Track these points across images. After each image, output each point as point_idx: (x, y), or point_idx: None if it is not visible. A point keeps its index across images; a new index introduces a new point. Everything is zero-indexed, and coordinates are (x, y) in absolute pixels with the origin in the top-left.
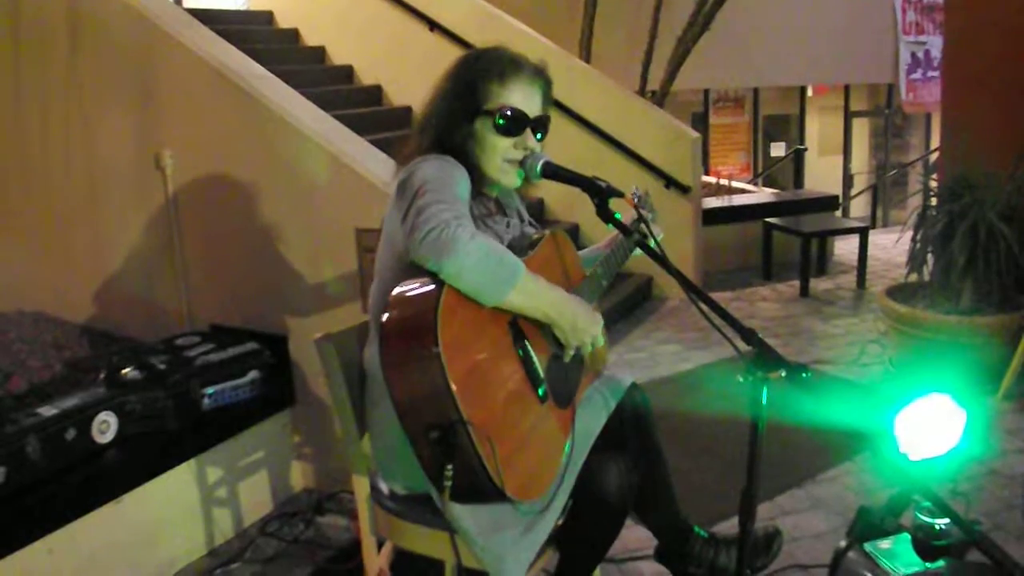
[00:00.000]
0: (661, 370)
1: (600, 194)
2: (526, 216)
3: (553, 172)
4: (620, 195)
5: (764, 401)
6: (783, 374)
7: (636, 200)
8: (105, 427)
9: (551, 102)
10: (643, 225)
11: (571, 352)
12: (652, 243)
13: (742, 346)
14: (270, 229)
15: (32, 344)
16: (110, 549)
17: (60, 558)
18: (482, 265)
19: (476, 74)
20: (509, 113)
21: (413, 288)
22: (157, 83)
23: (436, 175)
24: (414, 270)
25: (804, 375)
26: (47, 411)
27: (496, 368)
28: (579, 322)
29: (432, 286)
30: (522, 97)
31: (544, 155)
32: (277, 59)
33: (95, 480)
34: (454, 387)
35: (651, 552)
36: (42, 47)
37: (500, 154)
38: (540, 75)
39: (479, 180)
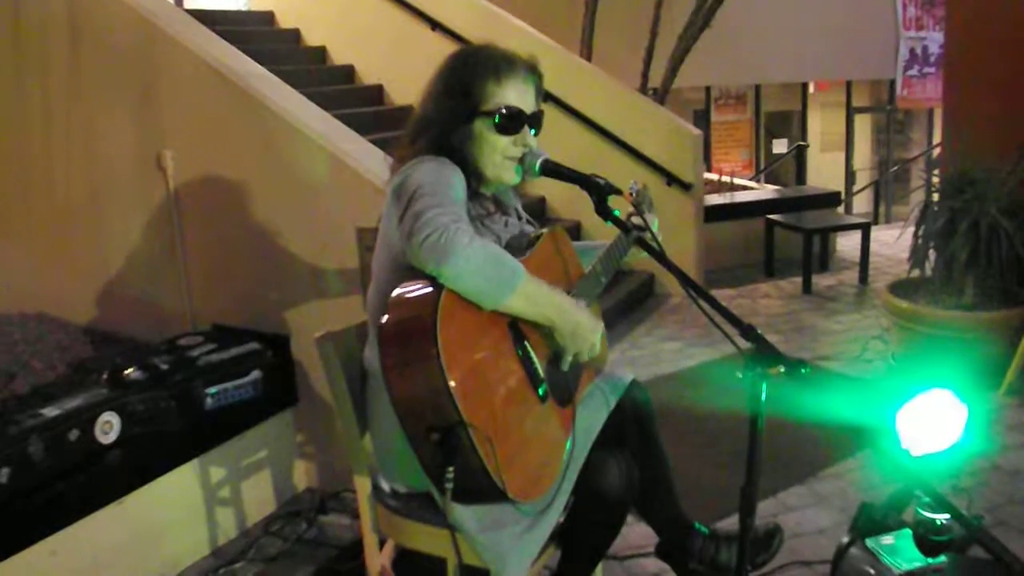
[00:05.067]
0: (663, 367)
1: (598, 191)
2: (523, 214)
3: (552, 170)
4: (619, 192)
5: (763, 397)
6: (782, 370)
7: (634, 194)
8: (108, 427)
9: (543, 96)
10: (640, 219)
11: (569, 358)
12: (650, 238)
13: (742, 342)
14: (272, 229)
15: (35, 345)
16: (113, 549)
17: (63, 559)
18: (482, 269)
19: (471, 75)
20: (507, 112)
21: (411, 290)
22: (158, 84)
23: (432, 178)
24: (411, 272)
25: (803, 371)
26: (50, 412)
27: (496, 369)
28: (580, 328)
29: (430, 288)
30: (517, 94)
31: (543, 153)
32: (278, 59)
33: (98, 480)
34: (454, 389)
35: (653, 549)
36: (43, 48)
37: (500, 152)
38: (533, 71)
39: (477, 180)
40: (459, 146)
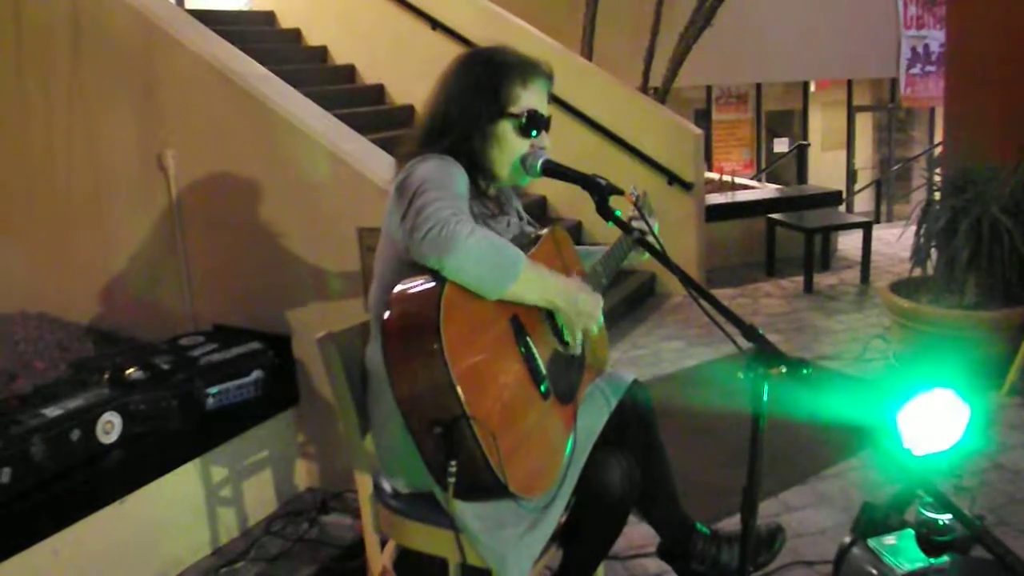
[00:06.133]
0: (664, 367)
1: (600, 191)
2: (524, 214)
3: (553, 169)
4: (620, 192)
5: (765, 397)
6: (784, 370)
7: (635, 199)
8: (109, 427)
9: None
10: (643, 222)
11: (578, 337)
12: (652, 239)
13: (743, 342)
14: (273, 229)
15: (36, 345)
16: (115, 549)
17: (65, 558)
18: (484, 258)
19: (499, 77)
20: (531, 115)
21: (414, 285)
22: (159, 84)
23: (434, 174)
24: (414, 268)
25: (805, 371)
26: (52, 412)
27: (498, 364)
28: (582, 304)
29: (433, 283)
30: (538, 98)
31: (544, 153)
32: (279, 59)
33: (100, 480)
34: (457, 383)
35: (654, 549)
36: (44, 49)
37: (520, 154)
38: (550, 76)
39: (487, 180)
40: (479, 147)
